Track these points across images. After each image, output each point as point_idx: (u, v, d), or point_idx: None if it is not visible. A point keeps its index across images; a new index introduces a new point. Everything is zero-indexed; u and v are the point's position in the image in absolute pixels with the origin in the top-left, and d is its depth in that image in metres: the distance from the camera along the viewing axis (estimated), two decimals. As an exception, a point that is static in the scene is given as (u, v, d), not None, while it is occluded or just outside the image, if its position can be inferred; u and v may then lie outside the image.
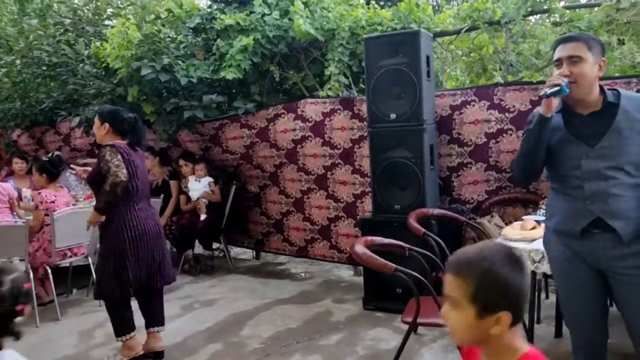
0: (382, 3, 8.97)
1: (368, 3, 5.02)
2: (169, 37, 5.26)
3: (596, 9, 4.07)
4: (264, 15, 5.04)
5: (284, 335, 3.80)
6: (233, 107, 5.39)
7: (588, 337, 2.27)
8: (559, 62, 2.16)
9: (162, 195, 5.36)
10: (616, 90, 2.19)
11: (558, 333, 3.54)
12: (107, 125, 3.39)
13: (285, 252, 5.67)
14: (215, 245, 5.78)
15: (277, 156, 5.38)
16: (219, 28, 5.08)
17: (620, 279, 2.12)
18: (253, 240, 5.91)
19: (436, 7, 10.58)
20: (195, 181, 5.55)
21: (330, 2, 5.01)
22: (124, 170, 3.20)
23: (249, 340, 3.75)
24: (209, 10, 5.48)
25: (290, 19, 4.96)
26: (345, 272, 5.30)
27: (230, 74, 4.86)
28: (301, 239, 5.45)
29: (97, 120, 3.43)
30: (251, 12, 5.10)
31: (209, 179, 5.55)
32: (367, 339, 3.68)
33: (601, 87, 2.19)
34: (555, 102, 2.16)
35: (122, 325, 3.37)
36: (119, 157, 3.24)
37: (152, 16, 5.46)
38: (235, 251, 6.29)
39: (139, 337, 3.46)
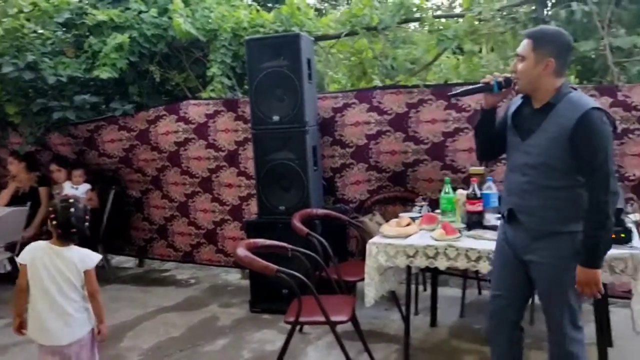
0: (270, 5, 9.01)
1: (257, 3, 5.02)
2: (34, 32, 4.88)
3: (462, 19, 4.38)
4: (140, 12, 4.84)
5: (166, 345, 3.67)
6: (110, 108, 5.12)
7: (500, 314, 2.42)
8: (516, 58, 2.27)
9: (29, 203, 4.94)
10: (574, 92, 2.20)
11: (433, 323, 3.76)
12: None
13: (170, 258, 5.48)
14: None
15: (159, 159, 5.19)
16: (90, 24, 4.80)
17: (530, 268, 2.28)
18: (135, 248, 5.65)
19: (324, 10, 10.82)
20: (72, 188, 5.18)
21: (212, 2, 4.93)
22: None
23: (128, 352, 3.58)
24: (79, 4, 5.15)
25: (169, 18, 4.81)
26: (233, 276, 5.24)
27: (104, 73, 4.60)
28: (186, 244, 5.31)
29: None
30: (127, 9, 4.87)
31: (87, 186, 5.21)
32: (253, 341, 3.66)
33: (572, 88, 2.24)
34: (494, 97, 2.32)
35: None
36: None
37: (15, 9, 5.02)
38: (118, 260, 5.97)
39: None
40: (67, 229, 2.53)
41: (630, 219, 2.86)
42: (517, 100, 2.36)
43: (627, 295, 2.80)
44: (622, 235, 2.60)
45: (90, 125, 5.25)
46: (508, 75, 2.33)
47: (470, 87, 2.42)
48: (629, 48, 3.83)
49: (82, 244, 5.47)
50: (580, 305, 2.26)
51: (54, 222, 2.54)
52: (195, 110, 4.94)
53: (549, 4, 4.19)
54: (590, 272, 2.11)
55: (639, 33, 3.86)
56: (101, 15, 4.77)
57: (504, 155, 2.47)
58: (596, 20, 3.85)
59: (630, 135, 3.72)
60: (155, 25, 4.86)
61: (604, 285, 2.77)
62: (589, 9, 3.85)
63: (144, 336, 3.84)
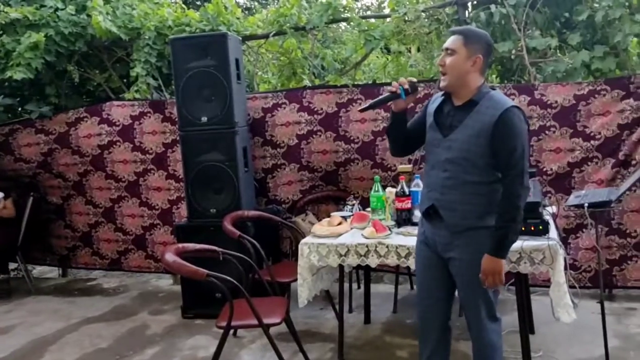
0: (198, 3, 8.81)
1: (184, 3, 4.88)
2: (-60, 30, 4.53)
3: (389, 19, 4.45)
4: (57, 9, 4.60)
5: (92, 357, 3.51)
6: (26, 110, 4.84)
7: (428, 314, 2.44)
8: (443, 52, 2.28)
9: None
10: (494, 91, 2.28)
11: (367, 320, 3.81)
12: None
13: (96, 266, 5.25)
14: (13, 265, 5.14)
15: (81, 163, 4.97)
16: (3, 22, 4.50)
17: (450, 263, 2.32)
18: (57, 257, 5.37)
19: (254, 9, 10.72)
20: (-16, 198, 4.85)
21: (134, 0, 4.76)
22: None
23: (51, 367, 3.41)
24: (-10, 1, 4.84)
25: (88, 15, 4.60)
26: (165, 282, 5.09)
27: (18, 74, 4.34)
28: (113, 250, 5.10)
29: None
30: (42, 6, 4.61)
31: None
32: (185, 348, 3.57)
33: (491, 87, 2.32)
34: (402, 103, 2.34)
35: None
36: None
37: None
38: (40, 270, 5.68)
39: None
40: None
41: (547, 212, 3.00)
42: (436, 99, 2.41)
43: (546, 283, 2.95)
44: (540, 227, 2.72)
45: (5, 129, 4.98)
46: (413, 79, 2.39)
47: (380, 98, 2.45)
48: (543, 49, 4.03)
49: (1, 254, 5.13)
50: (497, 298, 2.35)
51: None
52: (119, 111, 4.77)
53: (470, 6, 4.34)
54: (496, 261, 2.18)
55: (552, 35, 4.07)
56: (14, 13, 4.50)
57: None
58: (513, 22, 4.03)
59: (547, 132, 3.92)
60: (73, 23, 4.63)
61: (525, 275, 2.93)
62: (507, 11, 4.02)
63: (67, 349, 3.64)
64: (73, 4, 4.69)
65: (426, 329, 2.47)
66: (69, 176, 5.06)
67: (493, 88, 2.33)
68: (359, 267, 3.57)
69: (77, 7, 4.69)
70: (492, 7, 4.06)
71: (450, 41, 2.25)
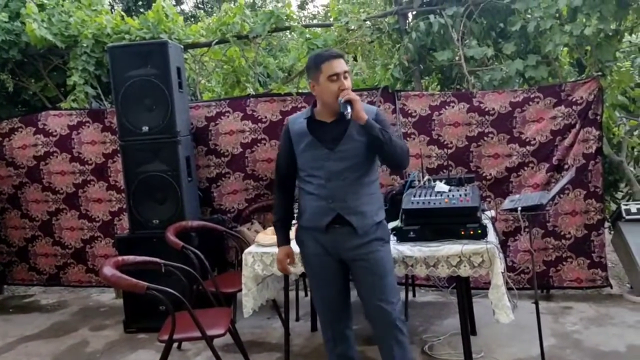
0: (142, 11, 8.63)
1: (126, 10, 4.77)
2: None
3: (332, 28, 4.50)
4: (-11, 17, 4.42)
5: (27, 378, 3.36)
6: (-45, 121, 4.62)
7: (333, 318, 2.55)
8: (337, 77, 2.30)
9: None
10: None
11: (314, 327, 3.80)
12: None
13: (34, 282, 5.04)
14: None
15: (15, 175, 4.78)
16: None
17: (357, 264, 2.43)
18: (-8, 274, 5.12)
19: (199, 18, 10.60)
20: None
21: (71, 7, 4.62)
22: None
23: (-17, 391, 3.23)
24: None
25: (23, 23, 4.44)
26: (107, 296, 4.93)
27: (-53, 83, 4.14)
28: (52, 265, 4.90)
29: None
30: (-28, 13, 4.43)
31: None
32: (128, 365, 3.47)
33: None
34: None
35: None
36: None
37: None
38: (-26, 288, 5.39)
39: None
40: None
41: (486, 216, 3.09)
42: (297, 121, 2.48)
43: (488, 286, 3.02)
44: (479, 231, 2.79)
45: None
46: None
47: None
48: (481, 58, 4.16)
49: None
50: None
51: None
52: (56, 121, 4.62)
53: (410, 16, 4.44)
54: (362, 119, 2.28)
55: (489, 44, 4.22)
56: (-59, 19, 4.29)
57: None
58: (452, 32, 4.15)
59: (486, 138, 4.05)
60: (6, 30, 4.46)
61: (466, 278, 2.99)
62: (445, 21, 4.14)
63: (1, 371, 3.48)
64: (6, 12, 4.53)
65: (337, 338, 2.56)
66: (3, 189, 4.85)
67: None
68: (304, 275, 3.57)
69: (11, 14, 4.54)
70: (432, 17, 4.16)
71: (344, 64, 2.36)
